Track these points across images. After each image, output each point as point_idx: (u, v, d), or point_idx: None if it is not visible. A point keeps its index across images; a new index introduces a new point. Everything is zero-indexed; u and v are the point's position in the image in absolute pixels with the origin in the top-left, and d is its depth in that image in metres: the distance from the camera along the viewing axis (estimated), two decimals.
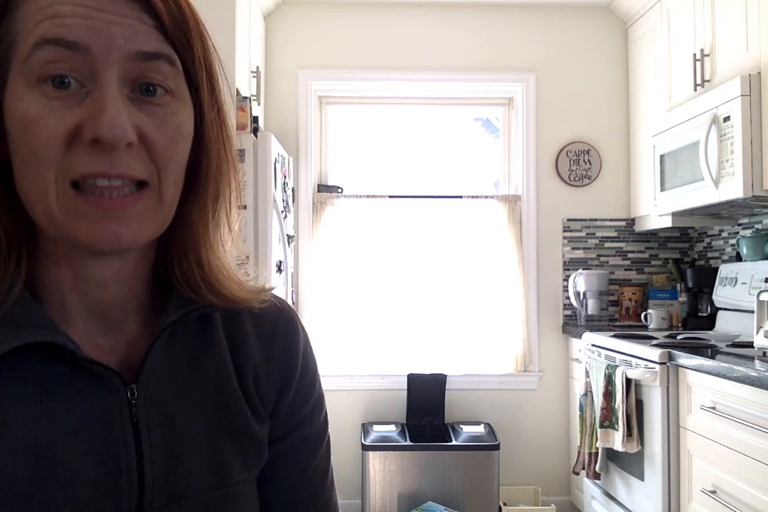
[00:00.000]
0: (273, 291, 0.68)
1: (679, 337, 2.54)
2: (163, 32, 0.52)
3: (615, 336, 2.65)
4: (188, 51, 0.54)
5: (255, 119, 2.62)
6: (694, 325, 2.98)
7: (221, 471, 0.59)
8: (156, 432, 0.56)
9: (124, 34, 0.50)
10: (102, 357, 0.56)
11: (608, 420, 2.43)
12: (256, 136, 2.49)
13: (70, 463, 0.52)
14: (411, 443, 2.88)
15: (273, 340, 0.66)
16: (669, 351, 2.19)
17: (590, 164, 3.32)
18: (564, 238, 3.34)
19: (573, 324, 3.27)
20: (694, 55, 2.60)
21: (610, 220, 3.34)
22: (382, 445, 2.87)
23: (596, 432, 2.50)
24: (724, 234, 3.06)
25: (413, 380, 3.13)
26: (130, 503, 0.53)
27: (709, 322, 2.92)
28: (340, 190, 3.34)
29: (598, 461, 2.57)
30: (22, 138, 0.49)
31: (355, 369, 3.25)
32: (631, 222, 3.33)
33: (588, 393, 2.64)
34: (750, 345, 2.17)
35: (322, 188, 3.35)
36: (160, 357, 0.58)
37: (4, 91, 0.51)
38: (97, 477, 0.53)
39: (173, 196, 0.55)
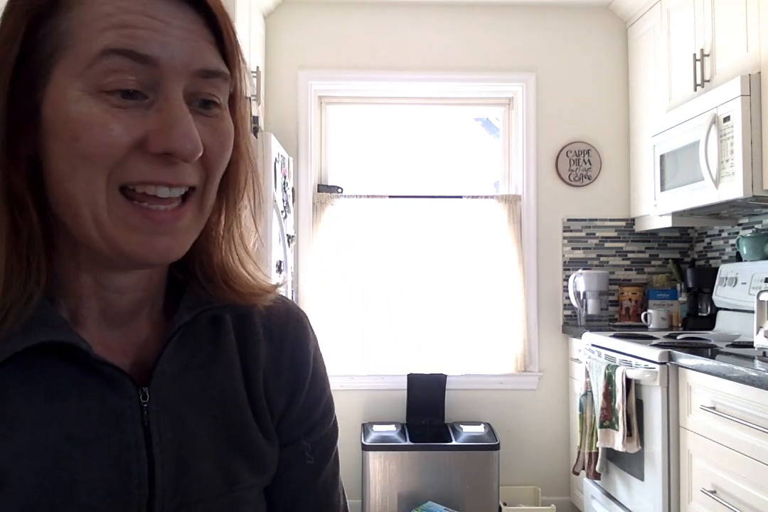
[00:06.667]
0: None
1: (679, 337, 2.54)
2: (220, 50, 0.54)
3: (615, 336, 2.65)
4: (236, 70, 0.56)
5: (255, 119, 2.62)
6: (694, 325, 2.97)
7: (230, 477, 0.58)
8: (167, 436, 0.55)
9: (191, 52, 0.50)
10: (113, 359, 0.55)
11: (608, 420, 2.43)
12: (256, 136, 2.49)
13: (78, 467, 0.51)
14: (411, 443, 2.87)
15: (282, 343, 0.65)
16: (669, 351, 2.19)
17: (590, 164, 3.32)
18: (564, 238, 3.34)
19: (573, 324, 3.27)
20: (694, 55, 2.60)
21: (610, 220, 3.34)
22: (382, 445, 2.87)
23: (596, 432, 2.50)
24: (724, 234, 3.06)
25: (413, 380, 3.13)
26: (140, 508, 0.52)
27: (709, 322, 2.92)
28: (340, 190, 3.34)
29: (598, 461, 2.57)
30: (78, 140, 0.48)
31: (355, 369, 3.25)
32: (631, 222, 3.33)
33: (588, 393, 2.64)
34: (750, 345, 2.17)
35: (322, 188, 3.34)
36: (172, 359, 0.57)
37: (36, 91, 0.50)
38: (107, 482, 0.52)
39: (212, 202, 0.56)
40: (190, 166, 0.51)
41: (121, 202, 0.50)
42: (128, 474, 0.52)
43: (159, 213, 0.51)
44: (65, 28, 0.49)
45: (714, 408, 1.94)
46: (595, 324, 3.19)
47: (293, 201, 3.13)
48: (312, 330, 0.69)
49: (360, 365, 3.26)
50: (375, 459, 2.85)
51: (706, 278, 2.95)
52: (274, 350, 0.64)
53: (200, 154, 0.50)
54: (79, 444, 0.51)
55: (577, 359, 2.97)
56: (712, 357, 2.00)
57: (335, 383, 3.19)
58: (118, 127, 0.48)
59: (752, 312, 2.19)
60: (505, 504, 3.03)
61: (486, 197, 3.33)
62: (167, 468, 0.54)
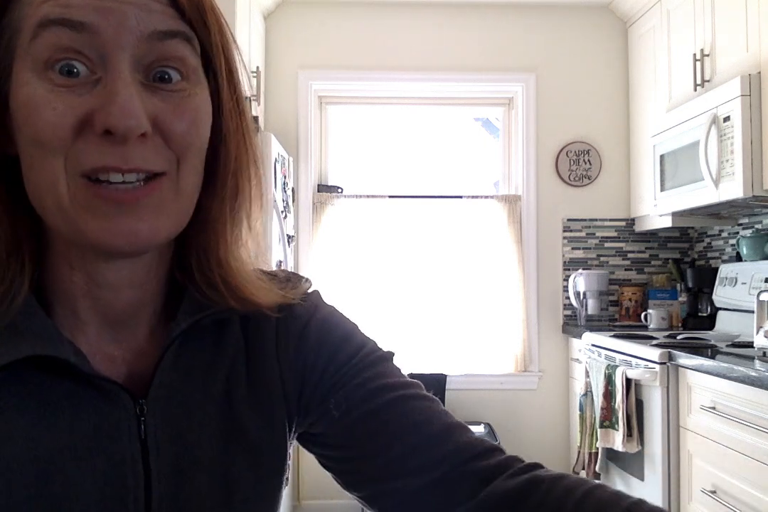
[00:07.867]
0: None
1: (679, 337, 2.54)
2: (179, 11, 0.48)
3: (615, 336, 2.65)
4: (205, 33, 0.50)
5: (255, 119, 2.62)
6: (694, 325, 2.97)
7: (231, 489, 0.55)
8: (165, 449, 0.52)
9: (136, 14, 0.46)
10: (112, 368, 0.53)
11: (608, 420, 2.43)
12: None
13: (71, 481, 0.49)
14: None
15: (297, 327, 0.61)
16: (669, 351, 2.19)
17: (590, 164, 3.32)
18: (564, 238, 3.34)
19: (573, 324, 3.27)
20: (694, 55, 2.60)
21: (610, 220, 3.34)
22: None
23: (596, 432, 2.51)
24: (724, 234, 3.06)
25: None
26: None
27: (709, 322, 2.92)
28: (340, 190, 3.34)
29: (598, 461, 2.57)
30: (26, 123, 0.46)
31: None
32: (631, 222, 3.33)
33: (588, 393, 2.64)
34: (750, 345, 2.17)
35: (322, 188, 3.34)
36: (171, 369, 0.54)
37: (9, 84, 0.48)
38: (101, 497, 0.49)
39: (193, 186, 0.51)
40: (148, 148, 0.47)
41: (82, 187, 0.46)
42: (124, 489, 0.50)
43: (120, 192, 0.46)
44: (19, 13, 0.47)
45: (714, 408, 1.94)
46: (595, 324, 3.19)
47: (293, 201, 3.13)
48: (323, 300, 0.65)
49: None
50: None
51: (706, 278, 2.95)
52: (292, 334, 0.61)
53: (142, 131, 0.45)
54: (72, 458, 0.49)
55: (577, 359, 2.97)
56: (712, 357, 2.00)
57: None
58: (61, 105, 0.45)
59: (752, 312, 2.19)
60: None
61: (486, 197, 3.33)
62: (164, 482, 0.52)
